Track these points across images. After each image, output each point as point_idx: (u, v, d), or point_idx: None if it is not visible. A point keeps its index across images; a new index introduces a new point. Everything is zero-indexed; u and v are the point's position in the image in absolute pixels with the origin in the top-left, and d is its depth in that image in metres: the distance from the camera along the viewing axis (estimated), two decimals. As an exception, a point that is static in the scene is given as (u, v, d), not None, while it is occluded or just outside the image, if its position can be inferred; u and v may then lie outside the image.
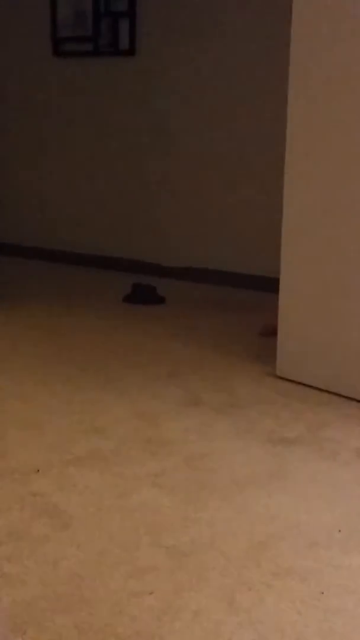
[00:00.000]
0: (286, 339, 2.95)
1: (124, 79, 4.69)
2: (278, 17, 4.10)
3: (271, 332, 3.37)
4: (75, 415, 2.58)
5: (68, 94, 4.91)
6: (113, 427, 2.49)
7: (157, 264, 4.78)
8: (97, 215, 4.98)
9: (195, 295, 4.33)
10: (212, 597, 1.62)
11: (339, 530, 1.90)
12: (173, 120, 4.58)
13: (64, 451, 2.30)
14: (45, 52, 4.93)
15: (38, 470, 2.17)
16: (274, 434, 2.46)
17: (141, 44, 4.59)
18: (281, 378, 2.97)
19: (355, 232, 2.67)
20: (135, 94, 4.67)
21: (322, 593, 1.65)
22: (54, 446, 2.34)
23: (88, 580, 1.67)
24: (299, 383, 2.92)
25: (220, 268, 4.58)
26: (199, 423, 2.54)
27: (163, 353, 3.26)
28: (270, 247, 4.33)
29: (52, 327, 3.61)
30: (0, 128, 5.23)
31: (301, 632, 1.52)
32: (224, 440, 2.41)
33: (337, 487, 2.12)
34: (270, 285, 4.29)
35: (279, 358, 2.99)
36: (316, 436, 2.45)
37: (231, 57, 4.32)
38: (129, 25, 4.57)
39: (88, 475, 2.16)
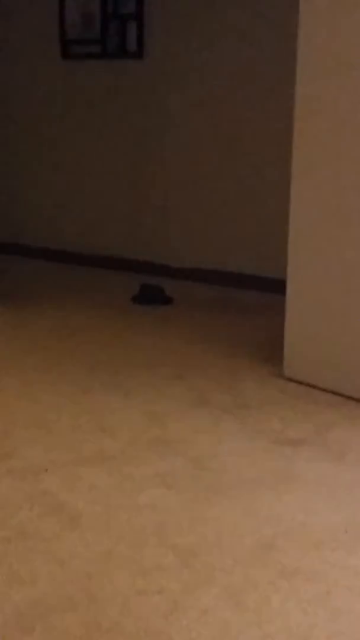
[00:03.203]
0: (293, 340, 2.96)
1: (131, 81, 4.71)
2: (285, 18, 4.11)
3: None
4: (83, 415, 2.60)
5: (76, 96, 4.93)
6: (121, 427, 2.50)
7: (165, 265, 4.79)
8: (104, 216, 5.00)
9: (203, 296, 4.34)
10: (219, 597, 1.64)
11: (346, 531, 1.91)
12: (180, 122, 4.60)
13: (73, 451, 2.32)
14: (53, 55, 4.95)
15: (47, 470, 2.19)
16: (281, 435, 2.47)
17: (149, 46, 4.60)
18: (288, 379, 2.98)
19: (363, 234, 2.68)
20: (143, 96, 4.69)
21: (328, 593, 1.66)
22: (63, 446, 2.35)
23: (96, 578, 1.69)
24: (306, 384, 2.93)
25: (227, 269, 4.60)
26: (206, 423, 2.55)
27: (171, 353, 3.28)
28: (277, 248, 4.34)
29: (61, 327, 3.63)
30: (9, 130, 5.25)
31: (307, 632, 1.54)
32: (231, 440, 2.43)
33: (343, 487, 2.13)
34: (277, 286, 4.30)
35: (286, 359, 3.00)
36: (323, 437, 2.46)
37: (238, 59, 4.34)
38: (136, 27, 4.58)
39: (96, 474, 2.17)
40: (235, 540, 1.86)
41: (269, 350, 3.32)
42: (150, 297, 4.10)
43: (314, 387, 2.91)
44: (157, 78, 4.63)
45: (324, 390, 2.88)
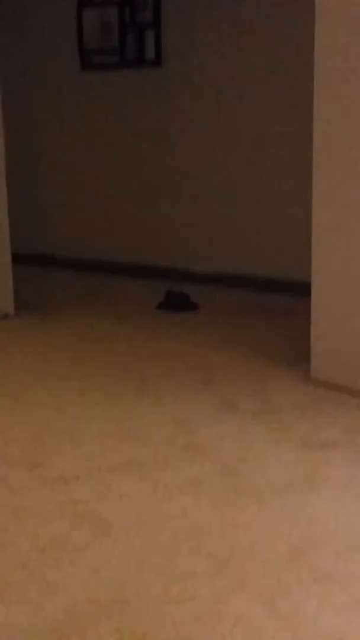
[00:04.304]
0: (320, 343, 2.96)
1: (150, 89, 4.73)
2: (303, 23, 4.11)
3: None
4: (112, 423, 2.61)
5: (96, 105, 4.96)
6: (150, 434, 2.51)
7: (189, 271, 4.80)
8: (127, 223, 5.02)
9: (228, 301, 4.34)
10: (252, 602, 1.64)
11: (378, 534, 1.90)
12: (199, 129, 4.61)
13: (103, 459, 2.33)
14: (72, 65, 4.99)
15: (78, 478, 2.20)
16: (310, 439, 2.47)
17: (166, 54, 4.62)
18: (316, 382, 2.97)
19: (387, 235, 2.67)
20: (161, 103, 4.71)
21: (362, 597, 1.65)
22: (93, 454, 2.37)
23: (129, 586, 1.70)
24: (334, 387, 2.92)
25: (251, 273, 4.59)
26: (235, 429, 2.55)
27: (197, 360, 3.28)
28: (300, 250, 4.33)
29: (88, 335, 3.65)
30: (30, 140, 5.29)
31: (341, 637, 1.53)
32: (260, 445, 2.43)
33: (374, 490, 2.12)
34: (301, 289, 4.28)
35: (312, 362, 2.99)
36: (353, 440, 2.45)
37: (256, 66, 4.34)
38: (154, 36, 4.60)
39: (126, 482, 2.18)
40: (267, 546, 1.85)
41: (295, 354, 3.31)
42: (176, 303, 4.11)
43: (341, 389, 2.89)
44: (175, 85, 4.64)
45: (352, 392, 2.87)
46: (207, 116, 4.57)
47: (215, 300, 4.33)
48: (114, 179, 5.02)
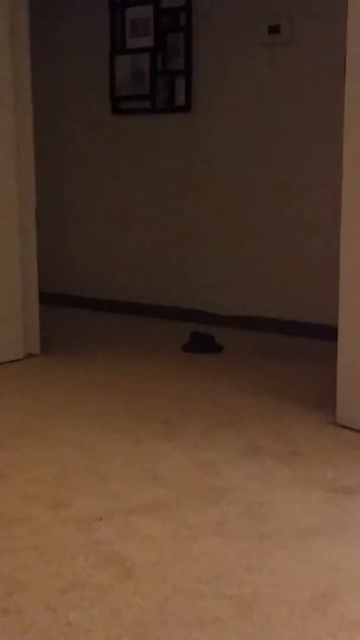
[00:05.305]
0: (346, 387, 2.94)
1: (180, 134, 4.81)
2: (335, 68, 4.17)
3: None
4: (136, 463, 2.60)
5: (126, 149, 5.05)
6: (173, 476, 2.50)
7: (215, 313, 4.81)
8: (154, 265, 5.06)
9: (253, 343, 4.34)
10: (276, 649, 1.61)
11: None
12: (228, 174, 4.66)
13: (126, 500, 2.32)
14: (104, 111, 5.09)
15: (101, 519, 2.19)
16: (335, 483, 2.44)
17: (197, 100, 4.70)
18: (342, 426, 2.95)
19: None
20: (191, 148, 4.77)
21: (390, 646, 1.62)
22: (116, 495, 2.36)
23: (152, 629, 1.67)
24: (360, 431, 2.90)
25: (276, 316, 4.59)
26: (259, 472, 2.53)
27: (222, 401, 3.27)
28: (327, 294, 4.33)
29: (112, 376, 3.66)
30: (61, 184, 5.38)
31: None
32: (284, 489, 2.40)
33: None
34: (327, 333, 4.27)
35: (339, 406, 2.96)
36: (379, 485, 2.42)
37: (287, 113, 4.40)
38: (185, 82, 4.68)
39: (150, 523, 2.16)
40: (293, 591, 1.82)
41: (321, 397, 3.29)
42: (201, 345, 4.11)
43: (368, 434, 2.87)
44: (205, 131, 4.71)
45: (379, 437, 2.84)
46: (236, 161, 4.62)
47: (241, 343, 4.33)
48: (141, 222, 5.07)
